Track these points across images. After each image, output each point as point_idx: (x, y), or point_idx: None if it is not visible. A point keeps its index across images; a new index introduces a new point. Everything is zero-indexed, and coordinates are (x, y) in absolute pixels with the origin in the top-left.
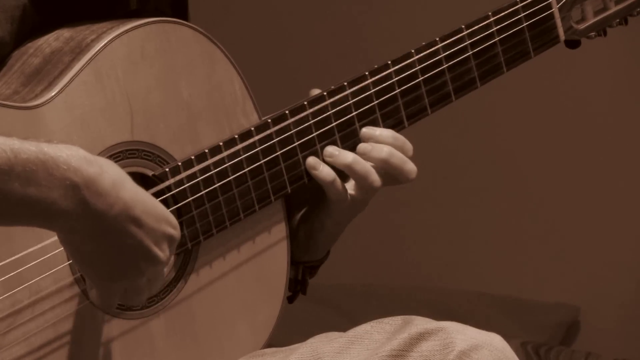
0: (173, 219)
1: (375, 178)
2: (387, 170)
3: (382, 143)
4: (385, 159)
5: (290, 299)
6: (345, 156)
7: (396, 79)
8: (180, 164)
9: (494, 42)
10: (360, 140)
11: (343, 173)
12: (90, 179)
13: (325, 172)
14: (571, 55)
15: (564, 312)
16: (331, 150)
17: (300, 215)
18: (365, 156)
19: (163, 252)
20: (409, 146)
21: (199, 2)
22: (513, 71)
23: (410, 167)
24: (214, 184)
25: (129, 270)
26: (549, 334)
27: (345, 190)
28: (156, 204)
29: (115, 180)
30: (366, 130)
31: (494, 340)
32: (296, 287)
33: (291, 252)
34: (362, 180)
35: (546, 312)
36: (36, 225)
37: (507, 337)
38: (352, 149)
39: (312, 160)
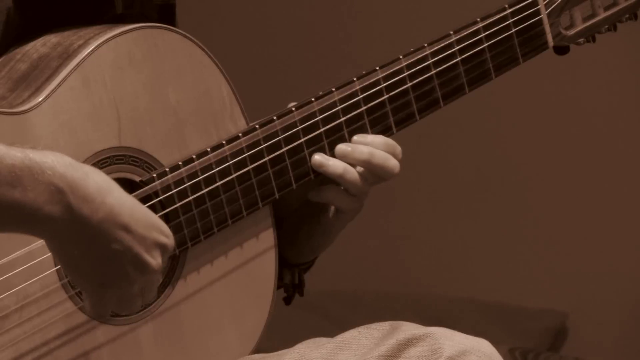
0: (165, 227)
1: (365, 183)
2: (371, 170)
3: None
4: (367, 160)
5: (287, 300)
6: (336, 166)
7: (384, 84)
8: (167, 169)
9: (483, 48)
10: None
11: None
12: (76, 184)
13: (334, 165)
14: (567, 59)
15: (552, 318)
16: (320, 159)
17: (298, 221)
18: (346, 158)
19: (155, 260)
20: (398, 150)
21: (186, 8)
22: (510, 75)
23: (392, 162)
24: (202, 190)
25: (118, 277)
26: (537, 339)
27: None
28: (147, 212)
29: (100, 186)
30: (356, 139)
31: (482, 346)
32: (294, 290)
33: (287, 257)
34: (353, 187)
35: (534, 318)
36: (22, 231)
37: (495, 343)
38: None
39: (318, 157)
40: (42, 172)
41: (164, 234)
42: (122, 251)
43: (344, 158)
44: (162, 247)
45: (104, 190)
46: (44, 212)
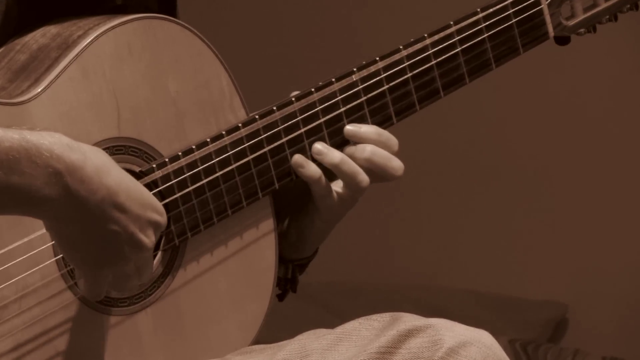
0: (159, 205)
1: (363, 177)
2: (372, 169)
3: (366, 139)
4: (368, 158)
5: (280, 297)
6: (333, 155)
7: (384, 75)
8: (167, 159)
9: (483, 39)
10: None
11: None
12: (73, 166)
13: (311, 169)
14: (567, 52)
15: (552, 309)
16: (320, 147)
17: (290, 214)
18: (350, 157)
19: (148, 238)
20: (394, 141)
21: None
22: (509, 68)
23: (395, 164)
24: (201, 180)
25: (114, 256)
26: (537, 331)
27: (330, 188)
28: (142, 190)
29: (98, 166)
30: (350, 128)
31: (483, 337)
32: (286, 285)
33: (281, 251)
34: (349, 180)
35: (534, 310)
36: (21, 213)
37: (495, 334)
38: (340, 145)
39: (298, 157)
40: (40, 154)
41: (158, 212)
42: (119, 231)
43: (350, 157)
44: (155, 225)
45: (102, 171)
46: (42, 194)
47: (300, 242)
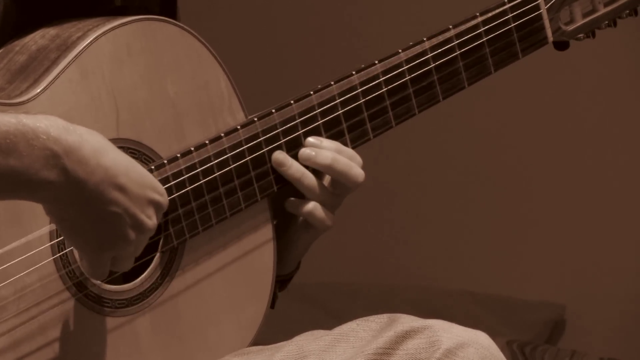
0: (159, 185)
1: (357, 171)
2: (334, 176)
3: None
4: (329, 165)
5: None
6: (296, 169)
7: (383, 78)
8: (165, 161)
9: (482, 43)
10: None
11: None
12: (70, 148)
13: (294, 168)
14: (567, 56)
15: (550, 310)
16: (282, 160)
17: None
18: (309, 162)
19: (150, 219)
20: (358, 159)
21: (188, 0)
22: (509, 70)
23: (356, 171)
24: (200, 182)
25: (116, 238)
26: (535, 332)
27: (321, 186)
28: (142, 171)
29: (96, 148)
30: (311, 140)
31: (480, 338)
32: None
33: None
34: (311, 194)
35: (532, 311)
36: (20, 197)
37: (492, 336)
38: None
39: (279, 154)
40: (37, 137)
41: (158, 192)
42: (119, 212)
43: (306, 162)
44: (156, 205)
45: (99, 152)
46: (40, 177)
47: (283, 257)
